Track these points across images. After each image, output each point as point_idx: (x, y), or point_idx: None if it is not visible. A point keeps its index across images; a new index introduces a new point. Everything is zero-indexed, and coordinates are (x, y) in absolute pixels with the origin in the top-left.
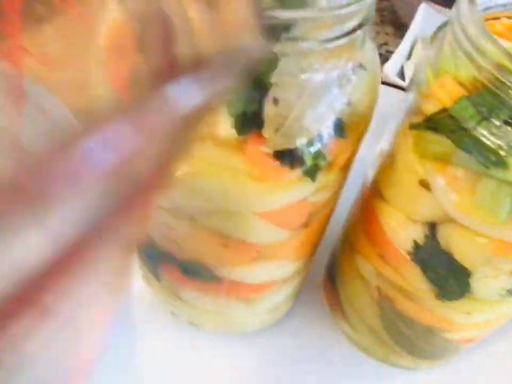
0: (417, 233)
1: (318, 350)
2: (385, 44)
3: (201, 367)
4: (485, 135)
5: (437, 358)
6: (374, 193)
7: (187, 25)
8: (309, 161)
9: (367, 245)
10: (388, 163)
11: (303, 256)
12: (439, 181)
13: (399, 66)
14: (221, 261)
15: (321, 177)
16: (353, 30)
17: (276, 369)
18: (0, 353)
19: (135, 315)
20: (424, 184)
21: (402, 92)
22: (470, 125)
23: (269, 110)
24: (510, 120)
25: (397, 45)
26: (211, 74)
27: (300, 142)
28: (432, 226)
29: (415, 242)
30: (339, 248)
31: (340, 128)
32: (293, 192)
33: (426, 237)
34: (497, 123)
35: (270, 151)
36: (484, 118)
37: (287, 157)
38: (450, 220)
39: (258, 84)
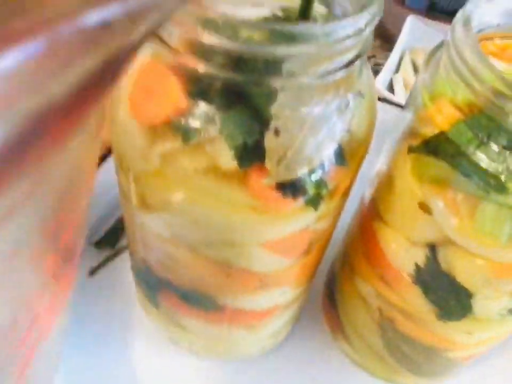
0: (418, 256)
1: (319, 371)
2: (373, 56)
3: None
4: (484, 159)
5: (438, 376)
6: (373, 215)
7: None
8: (311, 191)
9: (368, 267)
10: (387, 185)
11: (305, 281)
12: (438, 204)
13: (388, 80)
14: (222, 290)
15: (323, 206)
16: (352, 62)
17: None
18: None
19: (134, 342)
20: (424, 207)
21: (394, 106)
22: (468, 149)
23: (270, 141)
24: (508, 145)
25: (385, 57)
26: None
27: (302, 172)
28: (433, 248)
29: (416, 265)
30: (338, 269)
31: (341, 156)
32: (296, 221)
33: (427, 259)
34: (496, 148)
35: (273, 182)
36: (482, 143)
37: (289, 187)
38: (451, 242)
39: (258, 115)
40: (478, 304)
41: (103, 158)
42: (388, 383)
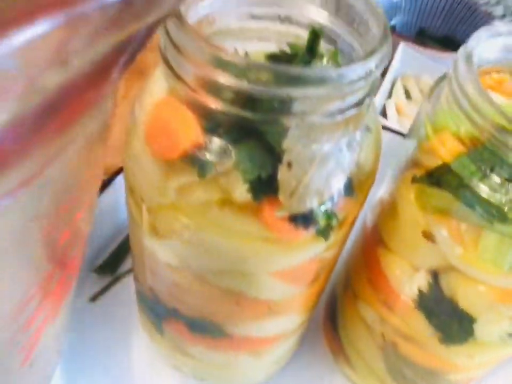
0: (421, 282)
1: None
2: None
3: None
4: (486, 191)
5: None
6: (376, 241)
7: None
8: (322, 222)
9: (371, 292)
10: (390, 212)
11: (311, 307)
12: (442, 233)
13: (382, 105)
14: (231, 318)
15: (332, 236)
16: (361, 101)
17: None
18: None
19: (137, 368)
20: (428, 235)
21: (387, 131)
22: (471, 181)
23: (283, 174)
24: (510, 178)
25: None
26: None
27: (313, 204)
28: (436, 275)
29: (420, 290)
30: (340, 293)
31: (350, 187)
32: (306, 251)
33: (430, 285)
34: (498, 180)
35: (286, 214)
36: (485, 175)
37: (301, 219)
38: (454, 269)
39: (271, 149)
40: (480, 328)
41: (104, 185)
42: None
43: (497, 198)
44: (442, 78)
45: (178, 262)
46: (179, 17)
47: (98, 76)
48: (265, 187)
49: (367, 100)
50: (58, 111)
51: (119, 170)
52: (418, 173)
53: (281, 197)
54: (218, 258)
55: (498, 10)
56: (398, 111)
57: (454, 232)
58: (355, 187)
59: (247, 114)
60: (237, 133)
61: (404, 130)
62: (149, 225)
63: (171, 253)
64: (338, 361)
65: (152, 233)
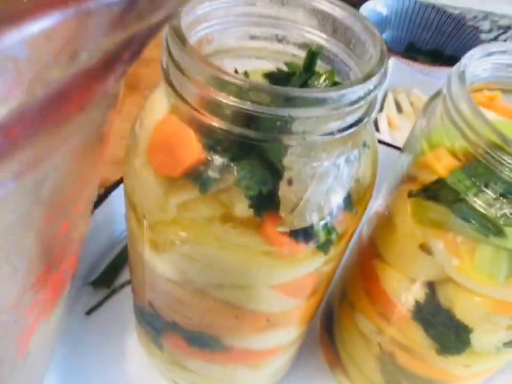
0: (418, 293)
1: None
2: None
3: None
4: (482, 205)
5: None
6: (372, 253)
7: None
8: (322, 237)
9: (368, 303)
10: (387, 226)
11: (309, 320)
12: (439, 246)
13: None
14: (230, 331)
15: (332, 250)
16: (360, 120)
17: None
18: None
19: (134, 383)
20: (424, 248)
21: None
22: (467, 196)
23: (283, 191)
24: (505, 192)
25: None
26: None
27: (314, 219)
28: (433, 286)
29: (417, 302)
30: (337, 305)
31: (349, 203)
32: (307, 265)
33: (427, 296)
34: (493, 195)
35: (287, 229)
36: (480, 190)
37: (302, 234)
38: (451, 280)
39: (271, 166)
40: (476, 338)
41: (100, 199)
42: None
43: (492, 212)
44: (437, 94)
45: (179, 276)
46: (181, 38)
47: (102, 71)
48: (266, 203)
49: (366, 118)
50: (64, 102)
51: (114, 184)
52: (415, 187)
53: (283, 212)
54: (219, 272)
55: (485, 25)
56: (389, 123)
57: (451, 244)
58: (354, 202)
59: (248, 133)
60: (238, 150)
61: (396, 143)
62: (149, 240)
63: (172, 267)
64: (336, 373)
65: (153, 248)
